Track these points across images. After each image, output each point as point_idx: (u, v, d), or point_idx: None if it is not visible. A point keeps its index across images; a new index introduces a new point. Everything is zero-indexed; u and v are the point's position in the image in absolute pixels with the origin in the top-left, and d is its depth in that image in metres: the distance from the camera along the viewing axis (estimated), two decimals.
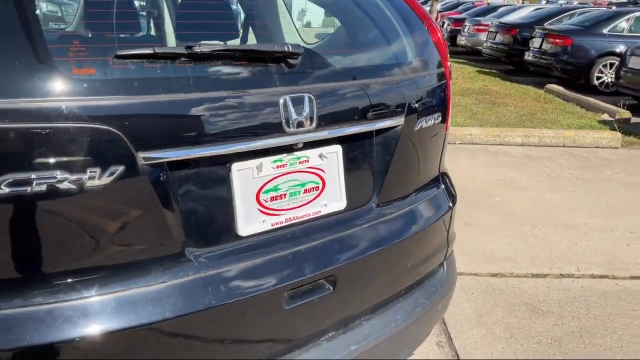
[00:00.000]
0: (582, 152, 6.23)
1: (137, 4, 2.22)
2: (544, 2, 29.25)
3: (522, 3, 26.45)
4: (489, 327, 2.79)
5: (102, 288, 1.17)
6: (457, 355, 2.57)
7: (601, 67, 10.16)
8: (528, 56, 11.55)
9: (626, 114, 7.59)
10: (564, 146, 6.37)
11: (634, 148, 6.47)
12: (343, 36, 1.85)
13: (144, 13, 2.34)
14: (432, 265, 1.87)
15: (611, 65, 10.05)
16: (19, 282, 1.10)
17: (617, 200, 4.73)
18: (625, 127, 6.98)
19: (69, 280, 1.14)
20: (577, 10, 13.22)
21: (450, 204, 1.91)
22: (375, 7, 1.76)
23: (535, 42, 11.37)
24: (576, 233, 3.98)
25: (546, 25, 12.23)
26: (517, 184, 5.05)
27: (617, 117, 7.48)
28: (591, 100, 8.62)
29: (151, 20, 2.35)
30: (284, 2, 2.27)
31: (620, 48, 9.97)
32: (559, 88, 9.79)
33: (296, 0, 3.76)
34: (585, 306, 3.02)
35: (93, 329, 1.13)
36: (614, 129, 6.83)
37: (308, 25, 7.77)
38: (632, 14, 10.63)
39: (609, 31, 10.37)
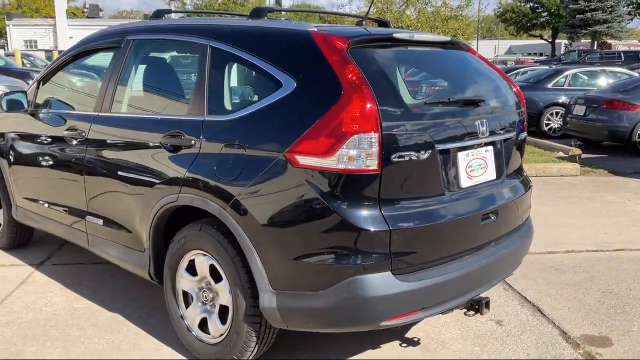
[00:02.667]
0: (551, 179, 7.93)
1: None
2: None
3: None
4: (532, 279, 4.23)
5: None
6: (519, 292, 3.99)
7: (548, 116, 12.17)
8: None
9: (577, 150, 9.46)
10: (536, 176, 8.04)
11: (590, 175, 8.27)
12: (486, 90, 3.29)
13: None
14: (525, 217, 3.31)
15: (556, 113, 12.08)
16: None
17: (588, 208, 6.37)
18: (578, 161, 8.79)
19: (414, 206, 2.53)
20: (520, 70, 15.46)
21: (531, 184, 3.38)
22: (493, 75, 3.26)
23: None
24: (567, 228, 5.55)
25: None
26: None
27: (570, 154, 9.33)
28: (546, 142, 10.50)
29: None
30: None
31: (563, 99, 12.03)
32: None
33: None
34: (589, 266, 4.53)
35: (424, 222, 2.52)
36: (572, 161, 8.62)
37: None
38: (569, 71, 12.83)
39: (552, 86, 12.47)
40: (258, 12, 3.07)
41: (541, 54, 53.33)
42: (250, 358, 2.83)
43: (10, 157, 4.22)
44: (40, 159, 3.94)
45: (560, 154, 9.55)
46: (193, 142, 2.85)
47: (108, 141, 3.39)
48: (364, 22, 3.44)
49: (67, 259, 4.53)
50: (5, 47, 31.26)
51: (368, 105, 2.39)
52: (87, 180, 3.51)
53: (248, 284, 2.69)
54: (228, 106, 2.87)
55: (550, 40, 53.01)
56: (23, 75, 15.30)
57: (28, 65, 18.80)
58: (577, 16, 38.08)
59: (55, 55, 22.68)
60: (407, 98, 2.72)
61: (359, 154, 2.39)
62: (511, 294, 3.99)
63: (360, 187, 2.43)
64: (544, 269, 4.44)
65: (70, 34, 31.97)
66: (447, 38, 3.17)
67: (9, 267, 4.34)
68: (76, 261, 4.48)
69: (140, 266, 3.26)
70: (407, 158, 2.49)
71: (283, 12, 6.90)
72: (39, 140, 3.96)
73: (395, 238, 2.45)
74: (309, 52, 2.59)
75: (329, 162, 2.41)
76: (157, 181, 3.01)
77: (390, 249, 2.44)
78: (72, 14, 41.51)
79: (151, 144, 3.08)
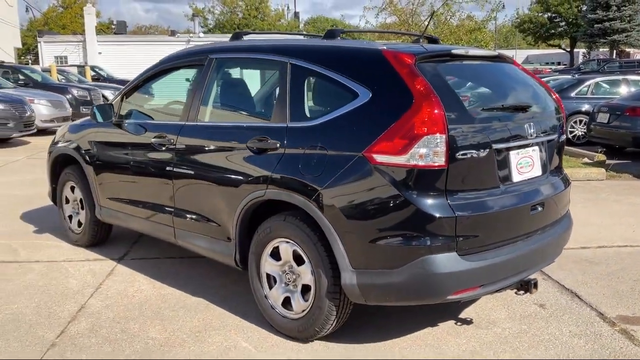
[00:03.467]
0: (578, 183, 8.29)
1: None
2: None
3: None
4: (568, 270, 4.64)
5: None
6: (558, 282, 4.39)
7: (572, 124, 12.52)
8: None
9: (602, 157, 9.81)
10: None
11: (615, 179, 8.64)
12: (531, 97, 3.72)
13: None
14: (565, 210, 3.73)
15: (580, 121, 12.43)
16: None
17: (615, 209, 6.75)
18: (608, 168, 9.15)
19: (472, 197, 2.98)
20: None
21: (570, 181, 3.80)
22: (535, 85, 3.71)
23: None
24: (596, 227, 5.93)
25: None
26: None
27: (595, 160, 9.68)
28: (571, 149, 10.86)
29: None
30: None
31: (586, 107, 12.39)
32: None
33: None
34: (620, 258, 4.92)
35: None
36: (599, 167, 8.99)
37: None
38: (592, 80, 13.19)
39: (575, 94, 12.83)
40: (332, 34, 3.56)
41: (559, 63, 53.44)
42: (328, 331, 3.28)
43: (97, 163, 4.75)
44: (127, 164, 4.45)
45: (586, 160, 9.91)
46: (278, 145, 3.33)
47: (196, 146, 3.89)
48: (420, 40, 3.92)
49: (143, 254, 5.04)
50: (39, 63, 32.32)
51: (436, 111, 2.85)
52: (175, 181, 4.01)
53: (330, 265, 3.15)
54: (308, 114, 3.34)
55: (568, 50, 53.13)
56: (62, 90, 15.99)
57: (63, 81, 19.58)
58: (596, 26, 38.27)
59: (88, 71, 23.54)
60: (465, 105, 3.16)
61: (428, 152, 2.84)
62: (550, 283, 4.40)
63: (430, 180, 2.89)
64: (579, 262, 4.84)
65: (99, 49, 32.92)
66: (495, 52, 3.63)
67: (94, 262, 4.86)
68: (151, 256, 4.98)
69: (226, 254, 3.73)
70: (468, 155, 2.94)
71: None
72: (125, 147, 4.48)
73: (460, 223, 2.90)
74: (382, 67, 3.06)
75: (403, 160, 2.87)
76: (245, 179, 3.49)
77: (456, 232, 2.89)
78: (100, 30, 42.67)
79: (238, 148, 3.57)
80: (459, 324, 3.68)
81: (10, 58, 28.10)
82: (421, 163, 2.85)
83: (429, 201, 2.88)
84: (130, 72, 27.21)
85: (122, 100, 4.65)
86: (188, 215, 3.98)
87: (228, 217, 3.65)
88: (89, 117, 5.12)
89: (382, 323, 3.65)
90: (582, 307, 3.94)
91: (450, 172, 2.90)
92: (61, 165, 5.34)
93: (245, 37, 4.14)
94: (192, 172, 3.89)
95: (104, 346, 3.38)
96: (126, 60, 30.64)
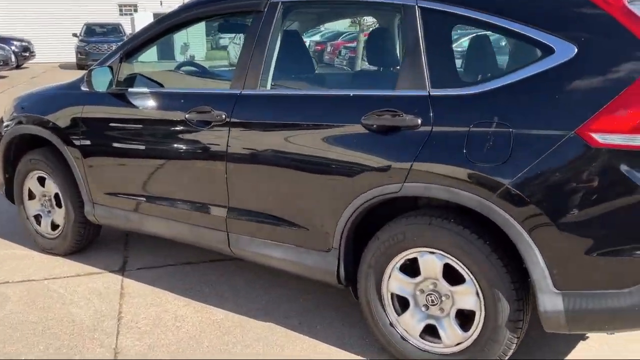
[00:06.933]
0: None
1: None
2: None
3: None
4: None
5: None
6: None
7: None
8: None
9: None
10: None
11: None
12: None
13: None
14: None
15: None
16: None
17: None
18: None
19: None
20: None
21: None
22: None
23: None
24: None
25: None
26: None
27: None
28: None
29: None
30: None
31: None
32: None
33: None
34: None
35: None
36: None
37: None
38: None
39: None
40: None
41: None
42: None
43: (86, 145, 3.51)
44: (141, 147, 3.29)
45: None
46: (419, 121, 2.40)
47: (266, 124, 2.85)
48: None
49: (149, 261, 3.90)
50: None
51: None
52: (230, 172, 2.95)
53: (512, 285, 2.33)
54: (465, 78, 2.44)
55: None
56: None
57: None
58: None
59: None
60: None
61: None
62: None
63: None
64: None
65: None
66: None
67: (89, 277, 3.66)
68: (161, 263, 3.87)
69: (322, 268, 2.79)
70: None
71: None
72: (137, 124, 3.31)
73: None
74: (592, 12, 2.20)
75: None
76: (360, 169, 2.54)
77: None
78: None
79: (343, 126, 2.60)
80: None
81: None
82: None
83: None
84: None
85: (121, 61, 3.42)
86: (254, 217, 2.96)
87: (328, 219, 2.70)
88: (63, 83, 3.83)
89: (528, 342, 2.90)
90: None
91: None
92: (18, 150, 4.01)
93: None
94: (262, 160, 2.86)
95: None
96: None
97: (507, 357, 2.44)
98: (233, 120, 2.91)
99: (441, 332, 2.54)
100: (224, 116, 2.93)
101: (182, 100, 3.13)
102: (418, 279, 2.56)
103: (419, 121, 2.41)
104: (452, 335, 2.51)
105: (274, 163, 2.82)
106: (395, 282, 2.62)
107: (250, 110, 2.91)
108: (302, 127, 2.74)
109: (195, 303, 3.30)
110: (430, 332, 2.58)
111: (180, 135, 3.12)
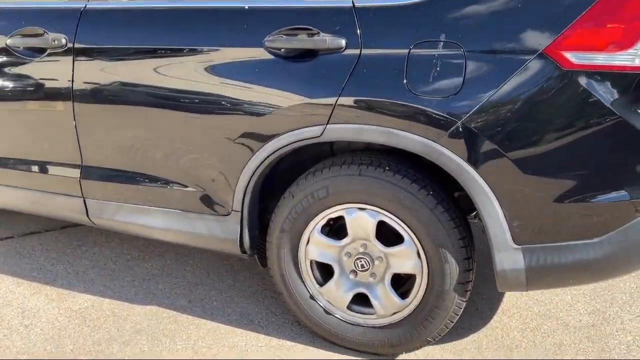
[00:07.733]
0: None
1: None
2: None
3: None
4: None
5: None
6: None
7: None
8: None
9: None
10: None
11: None
12: None
13: None
14: None
15: None
16: None
17: None
18: None
19: None
20: None
21: None
22: None
23: None
24: None
25: None
26: None
27: None
28: None
29: None
30: None
31: None
32: None
33: None
34: None
35: None
36: None
37: None
38: None
39: None
40: None
41: None
42: (441, 336, 2.12)
43: None
44: None
45: None
46: (344, 43, 1.83)
47: (129, 49, 2.09)
48: None
49: None
50: None
51: None
52: (80, 116, 2.18)
53: (460, 241, 1.92)
54: None
55: None
56: None
57: None
58: None
59: None
60: None
61: None
62: None
63: None
64: None
65: None
66: None
67: None
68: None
69: (218, 236, 2.19)
70: None
71: None
72: None
73: None
74: None
75: (623, 59, 1.68)
76: (267, 110, 1.94)
77: None
78: None
79: (238, 50, 1.96)
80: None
81: None
82: None
83: None
84: None
85: None
86: (119, 177, 2.24)
87: (225, 175, 2.08)
88: None
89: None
90: None
91: None
92: None
93: None
94: (125, 99, 2.13)
95: None
96: None
97: (453, 324, 2.07)
98: (77, 46, 2.12)
99: (374, 302, 2.09)
100: (64, 41, 2.13)
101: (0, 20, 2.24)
102: (344, 241, 2.06)
103: (343, 42, 1.83)
104: (387, 305, 2.07)
105: (141, 102, 2.11)
106: (316, 248, 2.10)
107: (102, 31, 2.13)
108: (179, 52, 2.04)
109: (49, 289, 2.54)
110: (362, 302, 2.13)
111: (2, 70, 2.24)
